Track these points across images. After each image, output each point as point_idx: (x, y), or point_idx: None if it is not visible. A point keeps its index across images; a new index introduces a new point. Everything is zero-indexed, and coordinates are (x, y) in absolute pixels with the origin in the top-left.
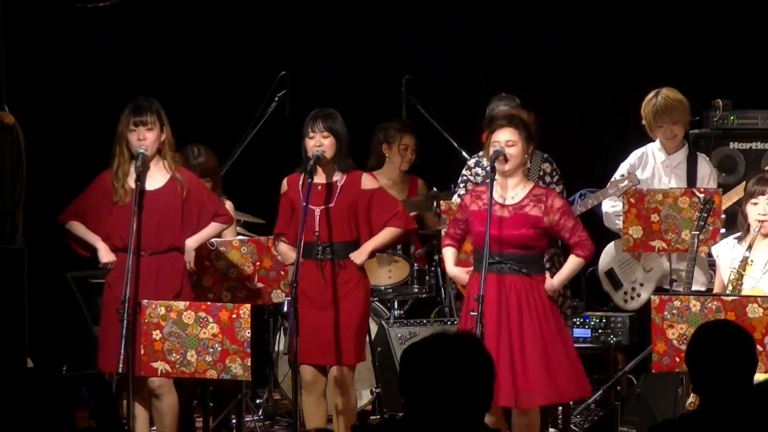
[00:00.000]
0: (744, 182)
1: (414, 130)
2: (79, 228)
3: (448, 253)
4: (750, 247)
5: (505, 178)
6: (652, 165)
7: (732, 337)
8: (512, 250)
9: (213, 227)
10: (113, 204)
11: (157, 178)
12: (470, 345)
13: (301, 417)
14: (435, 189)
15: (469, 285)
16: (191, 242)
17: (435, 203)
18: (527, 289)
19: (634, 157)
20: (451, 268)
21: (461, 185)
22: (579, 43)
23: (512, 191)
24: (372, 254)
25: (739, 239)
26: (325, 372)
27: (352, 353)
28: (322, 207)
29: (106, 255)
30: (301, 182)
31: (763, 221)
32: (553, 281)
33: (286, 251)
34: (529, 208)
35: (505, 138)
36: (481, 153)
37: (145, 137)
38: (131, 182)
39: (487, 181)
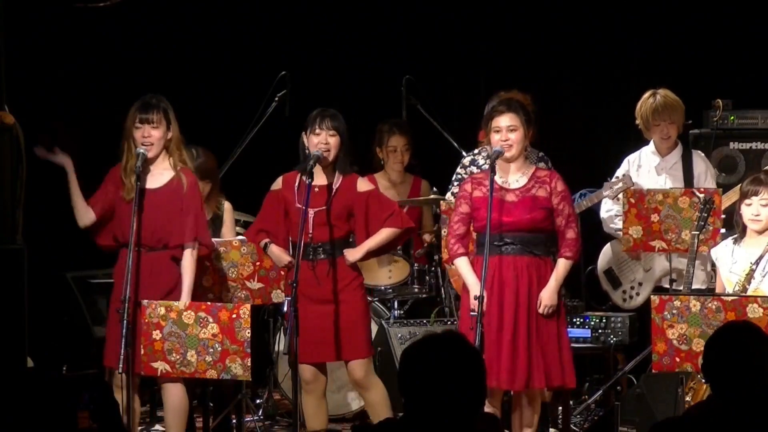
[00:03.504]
0: (739, 185)
1: (405, 130)
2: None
3: (464, 265)
4: (760, 259)
5: (507, 162)
6: (646, 168)
7: (752, 340)
8: (516, 232)
9: (190, 261)
10: (125, 201)
11: (161, 176)
12: (464, 344)
13: (301, 417)
14: (435, 189)
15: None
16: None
17: (434, 206)
18: (533, 268)
19: (627, 163)
20: (472, 282)
21: (455, 183)
22: (579, 44)
23: (514, 175)
24: (367, 255)
25: (736, 240)
26: (324, 371)
27: (364, 346)
28: (317, 209)
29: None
30: (297, 182)
31: (756, 221)
32: (550, 287)
33: (279, 253)
34: (536, 190)
35: (506, 123)
36: (476, 151)
37: (150, 135)
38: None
39: (484, 168)
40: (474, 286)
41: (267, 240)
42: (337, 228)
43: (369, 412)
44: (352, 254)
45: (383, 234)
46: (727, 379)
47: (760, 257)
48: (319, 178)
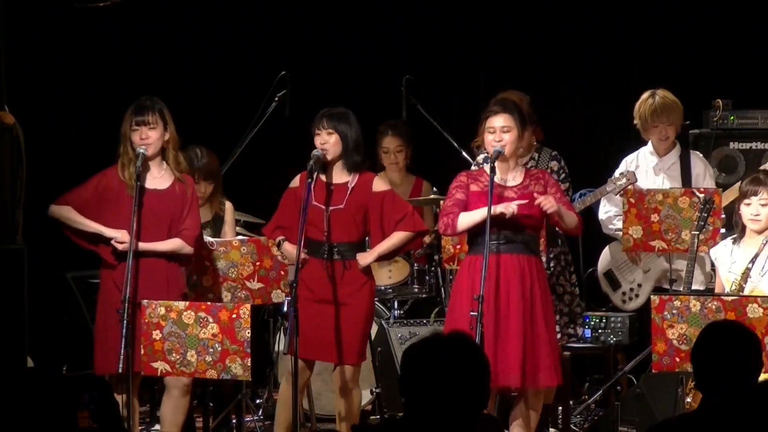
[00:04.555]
0: (739, 182)
1: (399, 131)
2: (73, 214)
3: (465, 213)
4: (756, 257)
5: (501, 162)
6: (644, 169)
7: (737, 337)
8: (510, 230)
9: (174, 243)
10: (128, 197)
11: (162, 178)
12: (467, 345)
13: (302, 417)
14: (435, 189)
15: (465, 268)
16: (144, 246)
17: (435, 206)
18: (527, 268)
19: (624, 164)
20: (479, 214)
21: None
22: (579, 44)
23: (511, 173)
24: (379, 258)
25: (735, 240)
26: (311, 367)
27: (357, 353)
28: (333, 207)
29: (113, 231)
30: (314, 182)
31: (755, 221)
32: (560, 206)
33: (292, 251)
34: (533, 187)
35: (500, 124)
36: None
37: (147, 136)
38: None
39: (483, 166)
40: (484, 213)
41: (281, 237)
42: (352, 228)
43: (337, 416)
44: (364, 258)
45: (395, 238)
46: (714, 378)
47: (756, 255)
48: (335, 177)
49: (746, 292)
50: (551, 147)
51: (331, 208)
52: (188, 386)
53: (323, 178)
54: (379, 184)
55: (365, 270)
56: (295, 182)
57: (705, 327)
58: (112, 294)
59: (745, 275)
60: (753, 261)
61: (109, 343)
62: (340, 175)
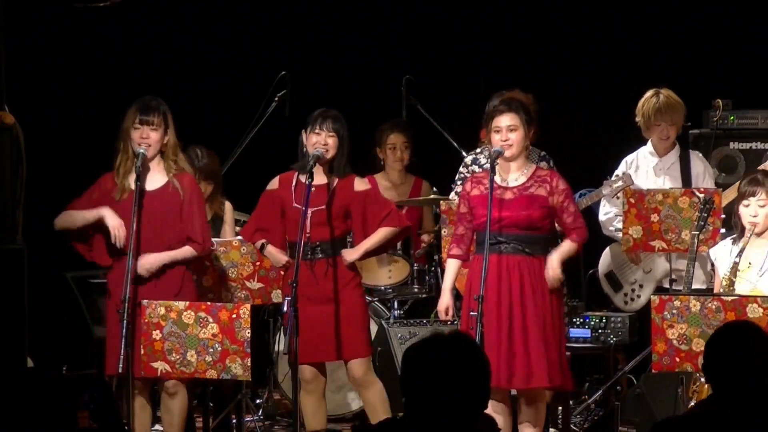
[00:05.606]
0: (738, 182)
1: (404, 128)
2: (73, 214)
3: (451, 268)
4: (741, 252)
5: (507, 162)
6: (645, 169)
7: (741, 337)
8: (514, 230)
9: (184, 251)
10: (115, 202)
11: (157, 179)
12: (467, 345)
13: (301, 418)
14: (435, 189)
15: (470, 269)
16: (157, 257)
17: (435, 206)
18: (530, 269)
19: (624, 164)
20: (446, 287)
21: (458, 183)
22: (579, 44)
23: (514, 174)
24: (365, 255)
25: (734, 240)
26: (323, 371)
27: (363, 345)
28: (315, 208)
29: (113, 219)
30: (294, 182)
31: (754, 222)
32: (552, 260)
33: (276, 254)
34: (534, 189)
35: (506, 123)
36: (478, 150)
37: (148, 136)
38: (131, 181)
39: (486, 167)
40: (445, 291)
41: (264, 240)
42: (335, 227)
43: (367, 411)
44: (350, 254)
45: (381, 234)
46: (727, 378)
47: (742, 250)
48: (317, 178)
49: (738, 289)
50: (550, 147)
51: (313, 209)
52: (175, 387)
53: (303, 179)
54: (359, 184)
55: (350, 266)
56: (274, 184)
57: (720, 327)
58: (119, 296)
59: (734, 269)
60: (740, 255)
61: (118, 346)
62: (321, 177)
